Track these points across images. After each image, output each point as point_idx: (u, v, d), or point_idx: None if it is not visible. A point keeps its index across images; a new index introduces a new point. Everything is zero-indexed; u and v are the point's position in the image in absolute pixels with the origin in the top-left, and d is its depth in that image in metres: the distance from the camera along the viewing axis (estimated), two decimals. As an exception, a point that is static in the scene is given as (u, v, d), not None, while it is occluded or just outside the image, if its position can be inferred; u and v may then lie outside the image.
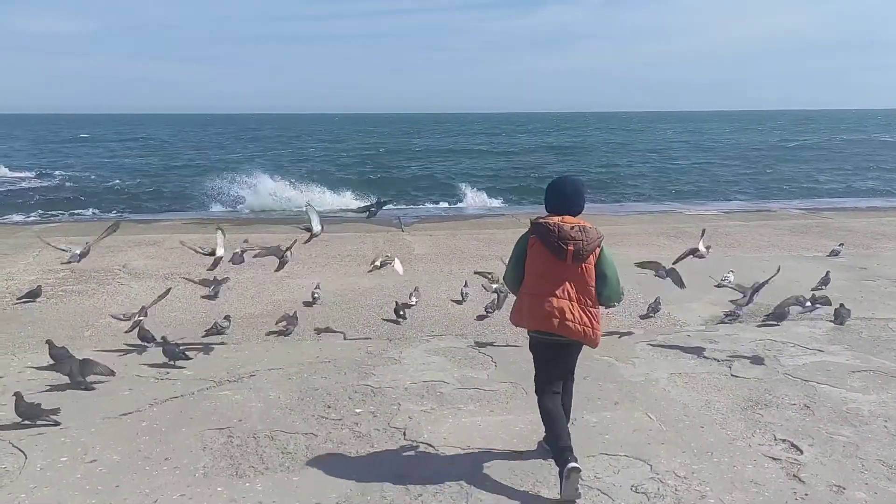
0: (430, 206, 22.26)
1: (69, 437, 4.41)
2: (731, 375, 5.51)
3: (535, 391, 4.03)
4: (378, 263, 7.76)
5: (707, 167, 34.60)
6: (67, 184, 28.31)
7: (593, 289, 3.87)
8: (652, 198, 23.82)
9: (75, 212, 20.86)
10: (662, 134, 73.92)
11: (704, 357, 5.95)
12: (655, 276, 7.05)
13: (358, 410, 4.86)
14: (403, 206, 21.31)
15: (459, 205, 22.44)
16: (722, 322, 7.08)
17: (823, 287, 7.93)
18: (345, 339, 6.55)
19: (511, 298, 4.32)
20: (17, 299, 7.81)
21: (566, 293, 3.81)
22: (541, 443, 4.20)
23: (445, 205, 22.41)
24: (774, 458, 4.16)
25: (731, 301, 7.32)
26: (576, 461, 3.63)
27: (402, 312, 7.20)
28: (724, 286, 8.05)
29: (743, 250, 10.82)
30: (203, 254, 6.74)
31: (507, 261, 4.09)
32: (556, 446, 3.73)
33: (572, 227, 3.80)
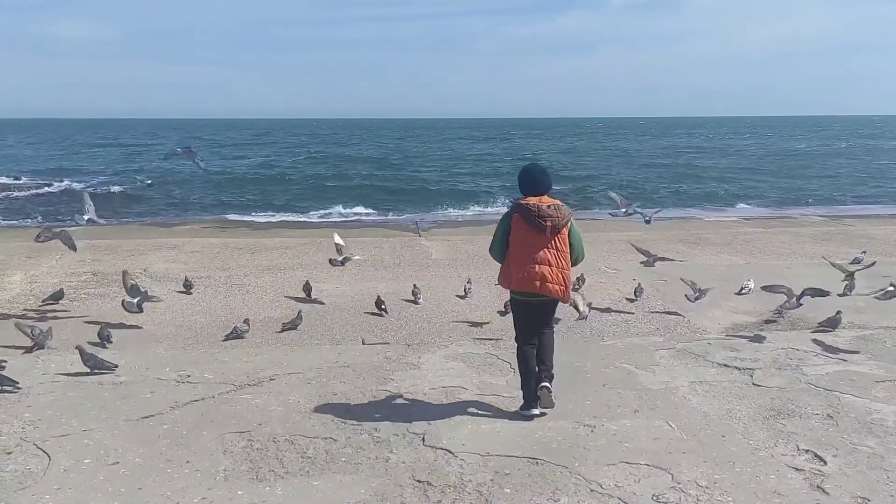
0: (448, 211, 22.29)
1: (92, 440, 4.45)
2: (753, 384, 5.46)
3: (516, 340, 4.92)
4: (340, 259, 8.47)
5: (726, 173, 34.36)
6: (89, 189, 28.64)
7: (568, 254, 4.71)
8: (671, 204, 23.68)
9: (99, 215, 21.07)
10: (681, 139, 73.56)
11: (725, 365, 5.89)
12: (643, 263, 8.71)
13: (377, 415, 4.87)
14: (422, 212, 21.36)
15: (477, 209, 22.45)
16: (770, 321, 7.14)
17: (849, 293, 7.86)
18: (363, 343, 6.56)
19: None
20: (42, 302, 7.90)
21: (546, 260, 4.64)
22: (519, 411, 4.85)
23: (463, 210, 22.44)
24: (798, 469, 4.11)
25: (780, 306, 7.31)
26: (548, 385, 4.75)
27: (383, 306, 7.59)
28: (743, 294, 8.02)
29: (763, 257, 10.72)
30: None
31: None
32: (528, 390, 4.79)
33: (548, 206, 4.65)
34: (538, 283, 4.61)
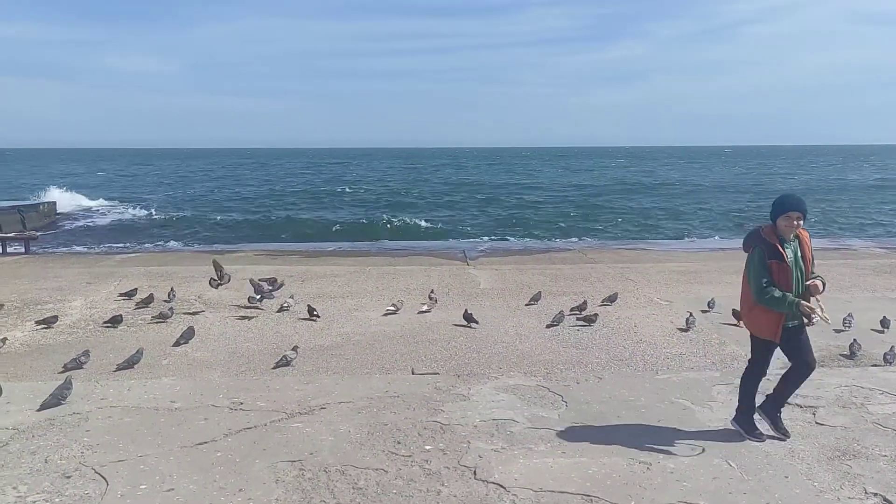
0: (494, 239, 22.30)
1: (148, 465, 4.52)
2: (816, 423, 5.26)
3: None
4: (393, 307, 8.93)
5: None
6: (142, 217, 29.54)
7: (747, 286, 4.85)
8: (722, 234, 23.29)
9: (156, 242, 21.72)
10: (732, 168, 72.41)
11: (787, 403, 5.68)
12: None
13: (427, 447, 4.83)
14: (470, 240, 21.42)
15: (525, 239, 22.42)
16: (845, 355, 6.98)
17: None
18: (413, 373, 6.54)
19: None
20: (102, 324, 8.16)
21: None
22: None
23: (511, 239, 22.43)
24: (866, 514, 3.93)
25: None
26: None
27: (315, 312, 8.59)
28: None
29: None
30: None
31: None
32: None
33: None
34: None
